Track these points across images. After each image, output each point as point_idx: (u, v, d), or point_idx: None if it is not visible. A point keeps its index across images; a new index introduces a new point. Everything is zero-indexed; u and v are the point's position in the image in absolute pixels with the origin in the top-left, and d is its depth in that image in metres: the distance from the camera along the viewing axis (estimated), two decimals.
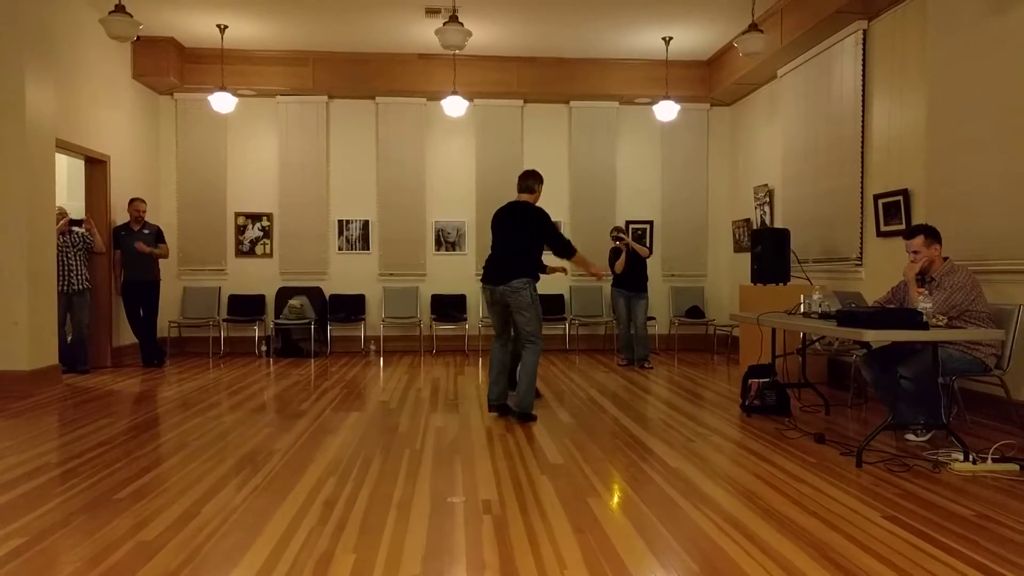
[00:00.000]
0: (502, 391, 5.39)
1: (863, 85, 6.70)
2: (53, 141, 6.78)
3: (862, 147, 6.73)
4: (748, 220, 9.30)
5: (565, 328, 9.70)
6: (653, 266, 9.12)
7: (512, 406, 5.32)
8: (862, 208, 6.73)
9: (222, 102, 8.42)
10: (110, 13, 6.15)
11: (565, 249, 5.30)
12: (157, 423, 5.16)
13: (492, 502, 3.35)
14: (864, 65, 6.70)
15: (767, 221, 8.75)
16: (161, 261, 8.34)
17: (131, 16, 6.20)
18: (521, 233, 5.23)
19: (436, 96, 9.24)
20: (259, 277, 9.62)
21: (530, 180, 5.39)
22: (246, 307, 9.49)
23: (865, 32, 6.69)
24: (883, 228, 6.39)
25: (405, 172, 9.76)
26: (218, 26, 8.23)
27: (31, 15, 6.41)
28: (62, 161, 8.22)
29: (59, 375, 6.79)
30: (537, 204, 5.36)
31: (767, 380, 5.45)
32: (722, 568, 2.61)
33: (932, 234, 4.64)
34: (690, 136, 10.02)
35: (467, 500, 3.39)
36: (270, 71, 9.21)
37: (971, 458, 3.88)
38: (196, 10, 7.81)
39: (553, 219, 5.43)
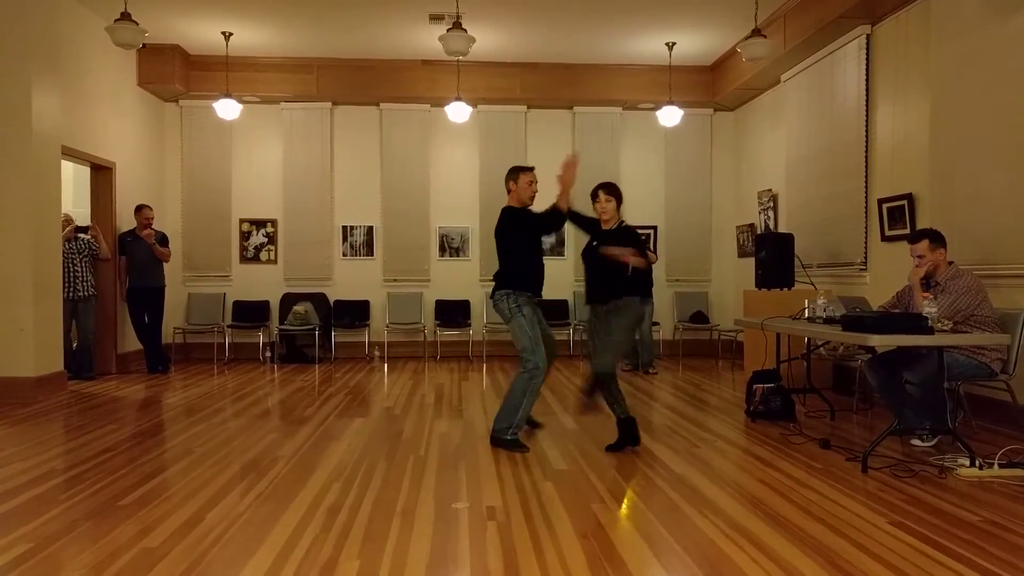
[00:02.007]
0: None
1: (867, 90, 6.69)
2: (59, 148, 6.81)
3: (866, 151, 6.72)
4: (752, 225, 9.29)
5: (570, 333, 9.69)
6: (657, 271, 9.10)
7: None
8: (866, 212, 6.71)
9: (227, 109, 8.45)
10: (116, 21, 6.19)
11: (551, 220, 4.65)
12: (162, 429, 5.16)
13: (496, 508, 3.35)
14: (868, 70, 6.69)
15: (771, 226, 8.74)
16: (166, 267, 8.36)
17: (137, 24, 6.24)
18: (498, 241, 4.78)
19: (440, 102, 9.26)
20: (264, 283, 9.64)
21: (505, 180, 4.83)
22: (251, 313, 9.50)
23: (869, 37, 6.68)
24: (888, 232, 6.37)
25: (409, 178, 9.78)
26: (223, 33, 8.27)
27: (37, 23, 6.45)
28: (68, 168, 8.24)
29: (64, 381, 6.80)
30: (511, 204, 4.77)
31: (772, 385, 5.44)
32: (727, 574, 2.60)
33: (937, 238, 4.63)
34: (694, 141, 10.02)
35: (471, 506, 3.38)
36: (274, 78, 9.24)
37: (978, 463, 3.87)
38: (201, 18, 7.84)
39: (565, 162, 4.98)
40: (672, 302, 9.90)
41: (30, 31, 6.36)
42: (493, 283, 4.81)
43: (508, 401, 4.56)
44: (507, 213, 4.74)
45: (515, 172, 4.80)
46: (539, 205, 4.82)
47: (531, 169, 4.84)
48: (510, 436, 4.49)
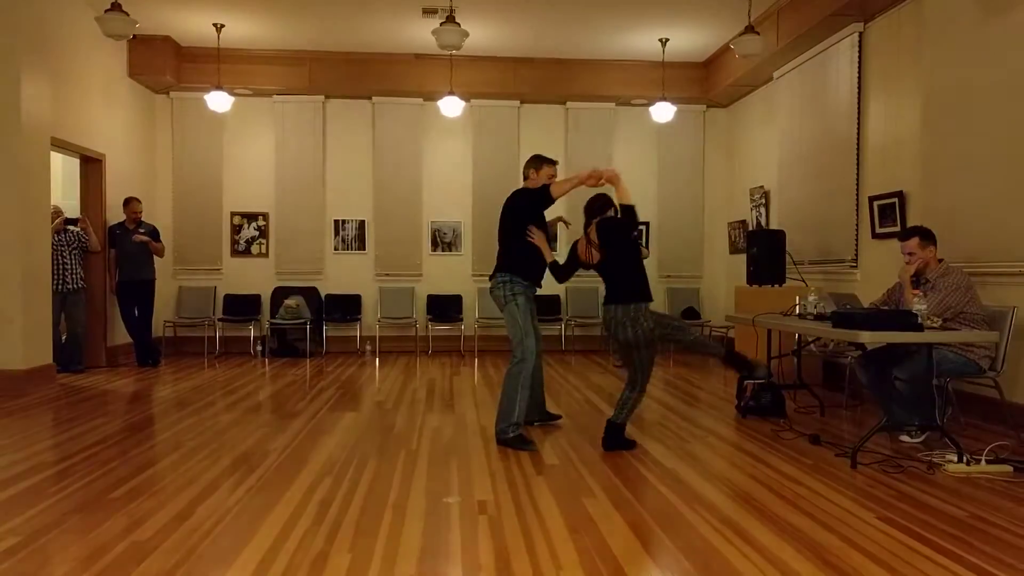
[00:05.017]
0: (531, 406, 4.72)
1: (859, 87, 6.71)
2: (48, 139, 6.76)
3: (858, 149, 6.75)
4: (744, 221, 9.31)
5: (561, 329, 9.70)
6: (649, 267, 9.08)
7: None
8: (857, 210, 6.74)
9: (218, 101, 8.40)
10: (106, 11, 6.14)
11: (545, 195, 4.53)
12: (152, 423, 5.14)
13: (487, 502, 3.35)
14: (860, 67, 6.71)
15: (763, 222, 8.76)
16: (157, 260, 8.33)
17: (127, 14, 6.19)
18: (503, 223, 4.69)
19: (433, 96, 9.23)
20: (255, 277, 9.60)
21: (525, 166, 4.81)
22: (242, 307, 9.47)
23: (861, 35, 6.70)
24: (878, 230, 6.40)
25: (401, 172, 9.75)
26: (215, 25, 8.21)
27: (27, 13, 6.39)
28: (57, 160, 8.19)
29: (53, 374, 6.77)
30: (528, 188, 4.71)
31: (762, 381, 5.46)
32: (717, 568, 2.62)
33: (927, 236, 4.65)
34: (686, 138, 10.03)
35: (462, 500, 3.39)
36: (266, 70, 9.19)
37: (965, 459, 3.89)
38: (193, 9, 7.79)
39: (550, 220, 4.88)
40: (664, 298, 9.91)
41: (19, 21, 6.30)
42: (488, 276, 4.77)
43: (503, 401, 4.49)
44: (522, 193, 4.69)
45: (539, 162, 4.74)
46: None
47: (555, 163, 4.80)
48: (512, 434, 4.42)
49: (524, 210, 4.64)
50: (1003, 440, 4.36)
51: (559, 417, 5.13)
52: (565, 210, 4.86)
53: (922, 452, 4.24)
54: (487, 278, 4.83)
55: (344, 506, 3.28)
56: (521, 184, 4.85)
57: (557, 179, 4.73)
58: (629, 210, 4.41)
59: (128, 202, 8.07)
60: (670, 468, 3.97)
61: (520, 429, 4.46)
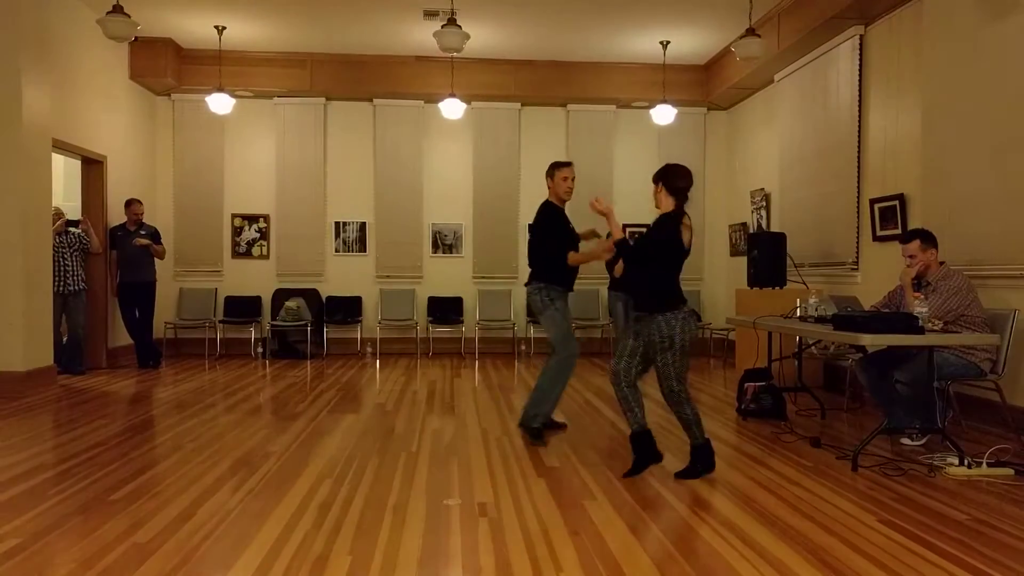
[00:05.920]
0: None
1: (860, 90, 6.72)
2: (50, 141, 6.76)
3: (858, 152, 6.75)
4: (745, 224, 9.31)
5: None
6: None
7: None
8: (858, 213, 6.74)
9: (219, 103, 8.41)
10: (108, 13, 6.15)
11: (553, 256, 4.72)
12: (152, 424, 5.14)
13: (488, 505, 3.35)
14: (861, 70, 6.71)
15: (764, 225, 8.76)
16: (157, 262, 8.33)
17: (129, 17, 6.20)
18: (532, 234, 4.91)
19: (434, 98, 9.24)
20: (256, 278, 9.60)
21: (545, 175, 4.93)
22: (242, 308, 9.47)
23: (862, 37, 6.70)
24: (879, 233, 6.40)
25: (402, 174, 9.76)
26: (216, 27, 8.23)
27: (29, 15, 6.40)
28: (59, 161, 8.20)
29: (54, 376, 6.77)
30: (550, 199, 4.84)
31: (763, 384, 5.46)
32: (717, 571, 2.62)
33: (928, 239, 4.65)
34: (687, 140, 10.02)
35: (463, 503, 3.39)
36: (268, 72, 9.20)
37: (966, 462, 3.89)
38: (194, 11, 7.80)
39: (583, 232, 4.97)
40: None
41: (21, 23, 6.30)
42: (524, 283, 4.90)
43: (541, 388, 4.63)
44: (544, 209, 4.80)
45: (552, 169, 4.84)
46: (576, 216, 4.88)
47: (568, 165, 4.87)
48: (537, 424, 4.56)
49: (544, 228, 4.77)
50: (1004, 443, 4.36)
51: (564, 426, 5.12)
52: (570, 210, 4.89)
53: (923, 455, 4.24)
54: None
55: (344, 508, 3.28)
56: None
57: (569, 180, 4.81)
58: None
59: (129, 204, 8.08)
60: (670, 470, 3.96)
61: (543, 421, 4.59)
